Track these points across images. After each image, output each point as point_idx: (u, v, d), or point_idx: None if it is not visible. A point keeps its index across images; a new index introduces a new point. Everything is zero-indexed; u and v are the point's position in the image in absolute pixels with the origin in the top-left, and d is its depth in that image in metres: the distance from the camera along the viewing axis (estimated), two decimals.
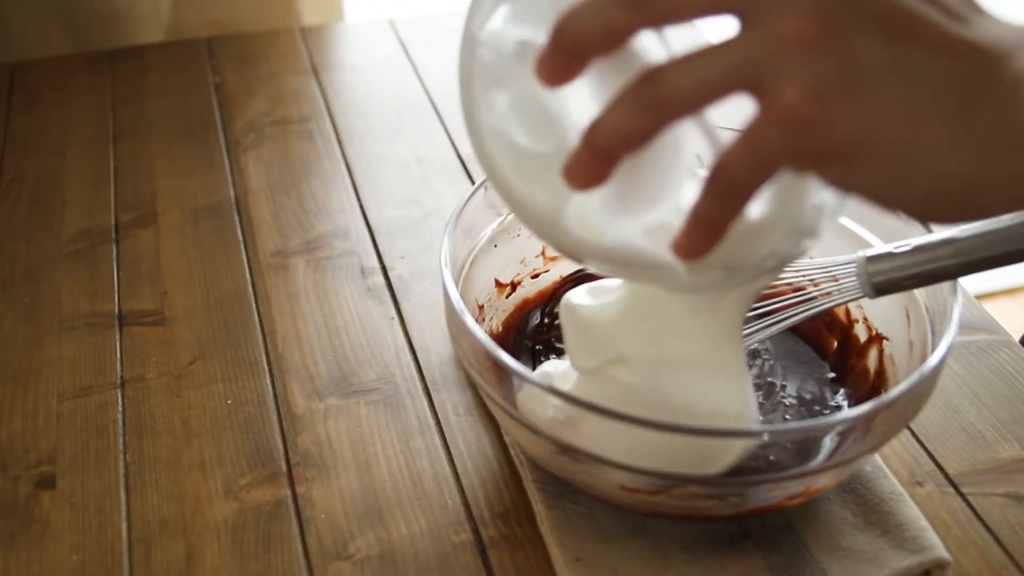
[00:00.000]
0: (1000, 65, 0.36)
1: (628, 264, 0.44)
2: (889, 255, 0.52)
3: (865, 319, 0.60)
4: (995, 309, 0.69)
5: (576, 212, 0.43)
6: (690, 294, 0.48)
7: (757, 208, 0.41)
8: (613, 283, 0.53)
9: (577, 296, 0.53)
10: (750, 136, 0.36)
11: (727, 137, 0.37)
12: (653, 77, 0.36)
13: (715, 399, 0.49)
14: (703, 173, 0.38)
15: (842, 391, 0.59)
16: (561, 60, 0.37)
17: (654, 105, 0.36)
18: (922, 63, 0.35)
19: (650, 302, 0.50)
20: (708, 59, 0.36)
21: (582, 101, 0.40)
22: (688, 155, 0.41)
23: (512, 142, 0.43)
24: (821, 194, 0.42)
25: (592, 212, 0.43)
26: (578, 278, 0.64)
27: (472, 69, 0.42)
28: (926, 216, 0.39)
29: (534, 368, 0.60)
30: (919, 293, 0.55)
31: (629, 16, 0.36)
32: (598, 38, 0.37)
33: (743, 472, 0.49)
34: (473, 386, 0.61)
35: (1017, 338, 0.66)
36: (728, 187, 0.37)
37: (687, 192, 0.41)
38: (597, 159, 0.37)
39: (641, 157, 0.38)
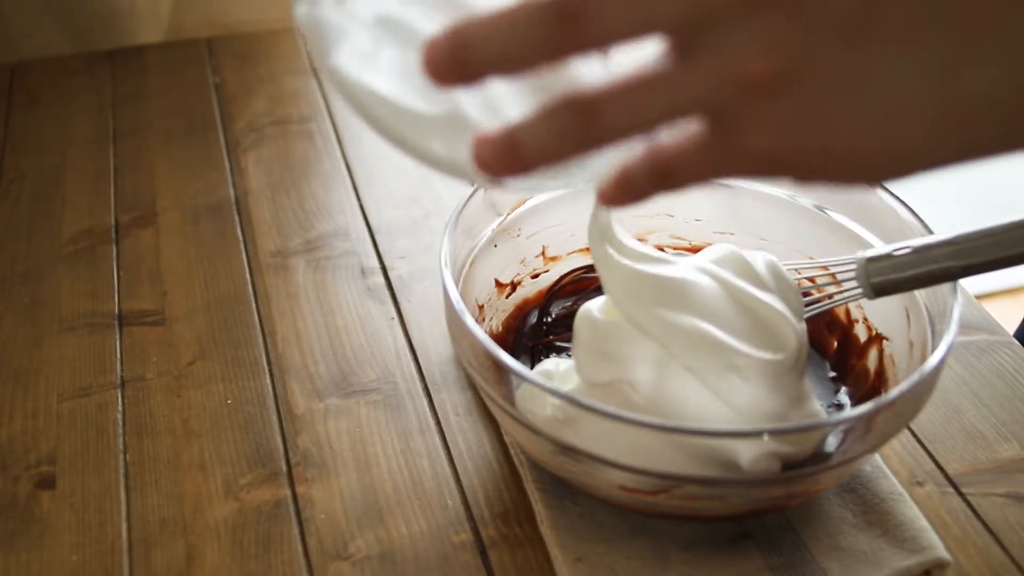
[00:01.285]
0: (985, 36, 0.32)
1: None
2: (889, 256, 0.52)
3: (865, 319, 0.60)
4: (995, 309, 0.69)
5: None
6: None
7: None
8: None
9: (598, 309, 0.52)
10: (701, 156, 0.34)
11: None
12: (590, 108, 0.32)
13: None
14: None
15: (842, 391, 0.59)
16: (455, 71, 0.32)
17: (588, 137, 0.33)
18: (892, 59, 0.32)
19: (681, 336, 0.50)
20: (656, 94, 0.32)
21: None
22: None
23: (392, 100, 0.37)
24: None
25: None
26: (577, 278, 0.64)
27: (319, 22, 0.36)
28: (848, 183, 0.36)
29: (533, 368, 0.59)
30: (919, 293, 0.55)
31: (561, 37, 0.31)
32: (509, 62, 0.32)
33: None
34: (473, 386, 0.61)
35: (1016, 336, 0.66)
36: (631, 184, 0.35)
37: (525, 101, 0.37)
38: (518, 166, 0.34)
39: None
